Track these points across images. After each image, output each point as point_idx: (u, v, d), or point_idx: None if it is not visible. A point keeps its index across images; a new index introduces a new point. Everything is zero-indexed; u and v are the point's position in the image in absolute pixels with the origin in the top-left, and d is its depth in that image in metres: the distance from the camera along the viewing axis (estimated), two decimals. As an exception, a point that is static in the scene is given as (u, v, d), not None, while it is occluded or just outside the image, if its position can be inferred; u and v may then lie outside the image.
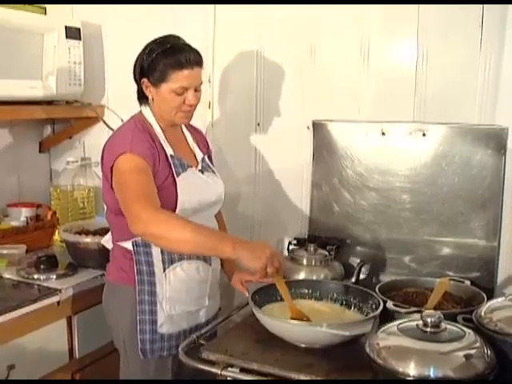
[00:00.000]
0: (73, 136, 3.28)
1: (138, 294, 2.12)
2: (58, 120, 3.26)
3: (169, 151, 2.12)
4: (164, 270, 2.12)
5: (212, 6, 2.78)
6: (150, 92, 2.14)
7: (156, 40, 2.14)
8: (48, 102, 2.89)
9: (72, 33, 2.87)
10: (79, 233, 2.72)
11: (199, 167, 2.23)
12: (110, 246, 2.27)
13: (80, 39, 2.92)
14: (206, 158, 2.31)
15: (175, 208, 2.07)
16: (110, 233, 2.28)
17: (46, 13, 3.11)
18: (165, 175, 2.08)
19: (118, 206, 2.02)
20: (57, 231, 2.96)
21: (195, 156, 2.27)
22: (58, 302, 2.43)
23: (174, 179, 2.09)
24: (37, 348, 2.37)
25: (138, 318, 2.13)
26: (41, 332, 2.39)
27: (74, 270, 2.61)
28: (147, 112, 2.18)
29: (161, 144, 2.12)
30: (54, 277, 2.53)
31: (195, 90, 2.12)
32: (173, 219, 1.91)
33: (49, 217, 3.00)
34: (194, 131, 2.38)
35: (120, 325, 2.20)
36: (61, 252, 2.81)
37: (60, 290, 2.43)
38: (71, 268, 2.62)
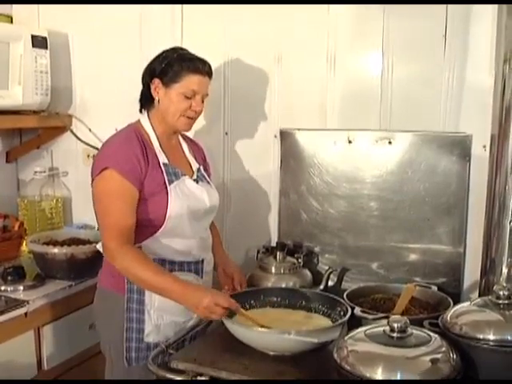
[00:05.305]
0: (40, 146, 3.25)
1: (127, 301, 2.13)
2: (26, 130, 3.23)
3: (162, 159, 2.15)
4: None
5: (179, 19, 2.80)
6: (157, 93, 2.17)
7: (169, 49, 2.22)
8: (14, 112, 2.86)
9: (38, 42, 2.85)
10: (47, 243, 2.70)
11: (194, 177, 2.25)
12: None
13: (47, 48, 2.90)
14: (202, 168, 2.34)
15: (165, 215, 2.10)
16: None
17: (12, 21, 3.10)
18: (157, 182, 2.11)
19: None
20: (24, 242, 2.93)
21: (191, 166, 2.29)
22: (26, 314, 2.40)
23: (166, 186, 2.11)
24: (4, 361, 2.34)
25: (125, 325, 2.13)
26: (8, 344, 2.36)
27: (41, 281, 2.59)
28: (144, 120, 2.22)
29: (154, 152, 2.15)
30: (22, 288, 2.51)
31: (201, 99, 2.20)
32: (137, 259, 2.02)
33: (16, 228, 2.96)
34: (192, 143, 2.42)
35: (107, 331, 2.21)
36: (28, 263, 2.77)
37: (27, 302, 2.41)
38: (39, 279, 2.60)
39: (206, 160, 2.45)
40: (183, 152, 2.33)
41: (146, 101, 2.23)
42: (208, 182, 2.33)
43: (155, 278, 2.00)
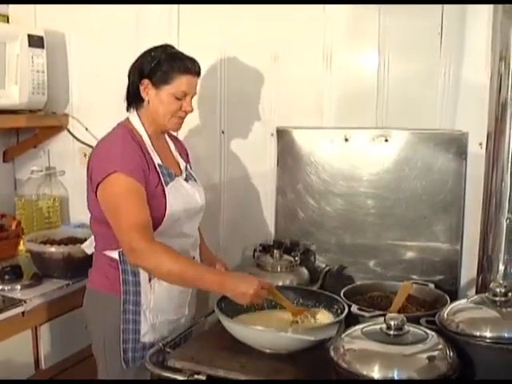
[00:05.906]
0: (37, 145, 3.25)
1: (123, 303, 2.11)
2: (22, 129, 3.22)
3: (156, 160, 2.12)
4: (150, 280, 2.11)
5: (176, 18, 2.80)
6: (147, 94, 2.13)
7: (157, 47, 2.16)
8: (11, 111, 2.86)
9: (35, 41, 2.85)
10: (44, 242, 2.71)
11: (183, 176, 2.24)
12: (90, 251, 2.26)
13: (43, 47, 2.90)
14: (188, 166, 2.32)
15: (163, 217, 2.07)
16: (91, 238, 2.26)
17: (8, 21, 3.09)
18: (154, 184, 2.08)
19: (103, 215, 2.03)
20: (21, 241, 2.93)
21: (179, 165, 2.27)
22: (23, 313, 2.40)
23: (163, 188, 2.09)
24: (2, 360, 2.34)
25: (121, 327, 2.11)
26: (5, 343, 2.36)
27: (39, 280, 2.59)
28: (135, 119, 2.17)
29: (149, 153, 2.12)
30: (19, 287, 2.51)
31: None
32: (168, 254, 1.95)
33: (13, 227, 2.96)
34: (176, 140, 2.39)
35: (102, 333, 2.17)
36: (26, 262, 2.77)
37: (25, 301, 2.40)
38: (36, 278, 2.60)
39: (188, 156, 2.42)
40: (170, 151, 2.30)
41: (135, 100, 2.18)
42: (195, 180, 2.31)
43: (192, 270, 1.96)
